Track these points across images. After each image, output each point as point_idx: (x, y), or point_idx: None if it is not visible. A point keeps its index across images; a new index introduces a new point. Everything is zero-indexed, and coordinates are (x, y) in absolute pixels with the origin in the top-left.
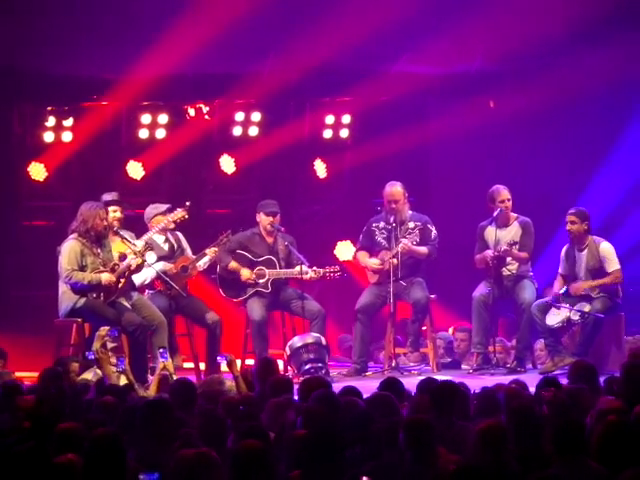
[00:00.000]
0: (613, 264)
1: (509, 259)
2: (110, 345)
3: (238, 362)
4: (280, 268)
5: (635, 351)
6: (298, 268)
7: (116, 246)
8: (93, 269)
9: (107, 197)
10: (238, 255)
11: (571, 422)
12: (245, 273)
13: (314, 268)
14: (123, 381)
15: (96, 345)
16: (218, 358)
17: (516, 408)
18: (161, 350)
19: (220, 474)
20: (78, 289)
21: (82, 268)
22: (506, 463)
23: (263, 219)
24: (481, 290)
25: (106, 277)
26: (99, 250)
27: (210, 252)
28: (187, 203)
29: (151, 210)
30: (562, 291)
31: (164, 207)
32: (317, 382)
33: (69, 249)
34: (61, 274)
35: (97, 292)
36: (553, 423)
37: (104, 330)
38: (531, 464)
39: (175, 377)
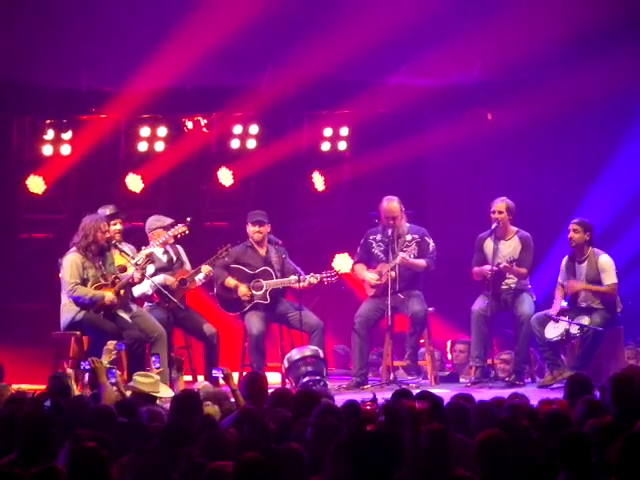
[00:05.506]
0: (610, 277)
1: (508, 274)
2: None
3: (236, 375)
4: (276, 278)
5: (631, 368)
6: (295, 277)
7: (116, 259)
8: (94, 282)
9: (105, 211)
10: (234, 269)
11: (577, 435)
12: (242, 289)
13: (312, 274)
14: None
15: (105, 359)
16: (214, 372)
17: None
18: (153, 358)
19: None
20: (80, 303)
21: (84, 281)
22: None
23: (250, 229)
24: (480, 304)
25: (109, 297)
26: (101, 263)
27: (205, 269)
28: (188, 219)
29: (154, 222)
30: (564, 304)
31: (168, 221)
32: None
33: (70, 262)
34: (64, 287)
35: (98, 308)
36: (558, 437)
37: (112, 344)
38: None
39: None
